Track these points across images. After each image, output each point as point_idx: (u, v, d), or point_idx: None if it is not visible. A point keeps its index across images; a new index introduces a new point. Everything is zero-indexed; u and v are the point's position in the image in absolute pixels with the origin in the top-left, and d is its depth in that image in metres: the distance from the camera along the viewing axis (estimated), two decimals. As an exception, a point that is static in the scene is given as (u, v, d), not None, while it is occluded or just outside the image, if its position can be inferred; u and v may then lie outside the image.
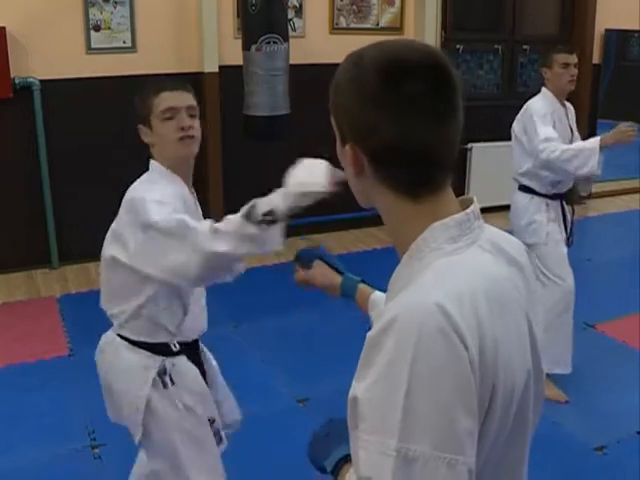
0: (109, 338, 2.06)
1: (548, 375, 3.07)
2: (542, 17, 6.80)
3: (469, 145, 6.32)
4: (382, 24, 5.94)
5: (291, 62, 4.90)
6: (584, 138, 3.45)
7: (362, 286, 1.51)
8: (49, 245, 5.12)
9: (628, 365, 3.60)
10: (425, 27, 5.92)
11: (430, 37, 5.96)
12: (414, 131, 0.90)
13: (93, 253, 5.27)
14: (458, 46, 6.29)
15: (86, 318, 4.48)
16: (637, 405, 3.16)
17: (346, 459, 1.08)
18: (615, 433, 2.93)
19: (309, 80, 5.39)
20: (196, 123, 1.95)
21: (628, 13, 6.64)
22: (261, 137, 4.91)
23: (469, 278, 0.90)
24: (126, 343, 2.01)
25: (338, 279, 1.53)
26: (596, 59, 6.99)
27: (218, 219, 1.80)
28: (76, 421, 3.16)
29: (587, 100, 6.73)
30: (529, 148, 3.30)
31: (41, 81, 4.80)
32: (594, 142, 3.18)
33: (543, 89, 3.42)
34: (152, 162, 2.00)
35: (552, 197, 3.43)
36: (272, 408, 3.26)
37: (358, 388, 0.86)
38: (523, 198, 3.44)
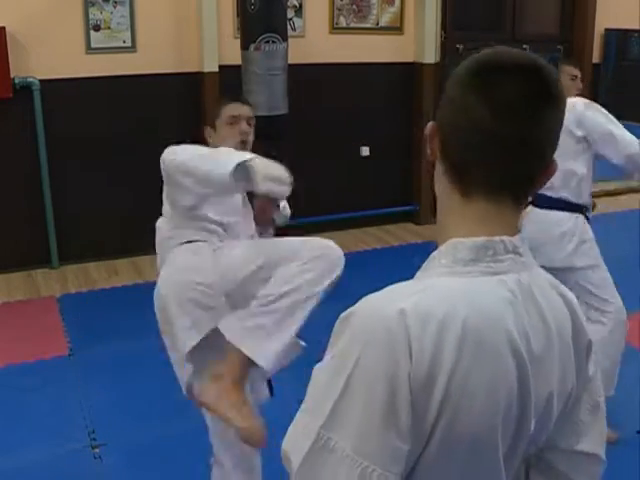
0: None
1: None
2: (542, 17, 6.80)
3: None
4: (382, 24, 5.94)
5: (291, 62, 4.89)
6: None
7: None
8: (49, 245, 5.12)
9: (628, 365, 3.59)
10: (425, 27, 5.91)
11: (430, 37, 5.96)
12: (478, 121, 0.89)
13: (93, 253, 5.33)
14: (458, 46, 6.28)
15: (86, 318, 4.49)
16: (637, 405, 3.16)
17: None
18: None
19: (309, 80, 5.39)
20: (251, 131, 2.41)
21: (628, 13, 6.64)
22: (260, 137, 4.89)
23: (453, 304, 0.84)
24: None
25: None
26: (596, 59, 6.98)
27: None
28: (76, 421, 3.16)
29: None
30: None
31: (41, 81, 4.80)
32: None
33: None
34: None
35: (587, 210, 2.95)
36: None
37: (318, 364, 0.87)
38: (567, 219, 2.90)
